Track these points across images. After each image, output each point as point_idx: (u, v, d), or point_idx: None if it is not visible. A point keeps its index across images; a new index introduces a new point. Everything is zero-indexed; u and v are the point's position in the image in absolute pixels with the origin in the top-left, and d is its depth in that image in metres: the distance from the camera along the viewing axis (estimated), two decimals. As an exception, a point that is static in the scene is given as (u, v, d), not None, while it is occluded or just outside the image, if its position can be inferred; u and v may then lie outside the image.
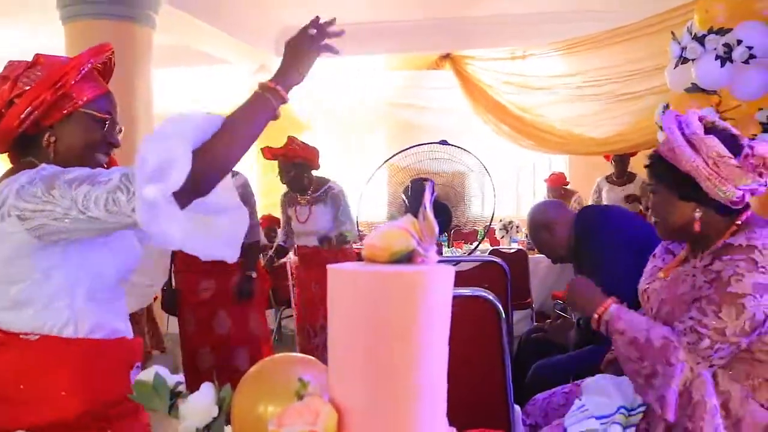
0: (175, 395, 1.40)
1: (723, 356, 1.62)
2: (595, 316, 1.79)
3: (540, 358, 2.65)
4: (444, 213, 4.16)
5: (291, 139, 4.56)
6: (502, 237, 6.89)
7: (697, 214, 1.72)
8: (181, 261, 3.75)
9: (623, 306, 1.81)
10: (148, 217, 1.33)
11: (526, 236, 6.53)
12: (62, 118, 1.58)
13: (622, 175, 6.63)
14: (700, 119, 1.73)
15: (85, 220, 1.38)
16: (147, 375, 1.45)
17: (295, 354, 1.48)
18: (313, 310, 4.60)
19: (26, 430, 1.42)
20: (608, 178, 6.78)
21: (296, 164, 4.50)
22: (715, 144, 1.65)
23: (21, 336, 1.48)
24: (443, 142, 4.77)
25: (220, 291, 3.80)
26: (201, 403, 1.31)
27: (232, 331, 3.78)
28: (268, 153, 4.55)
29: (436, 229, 1.00)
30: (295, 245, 4.81)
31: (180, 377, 1.47)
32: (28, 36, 7.06)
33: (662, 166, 1.76)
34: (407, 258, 0.99)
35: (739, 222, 1.73)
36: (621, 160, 6.57)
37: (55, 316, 1.51)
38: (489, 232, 7.28)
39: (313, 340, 4.60)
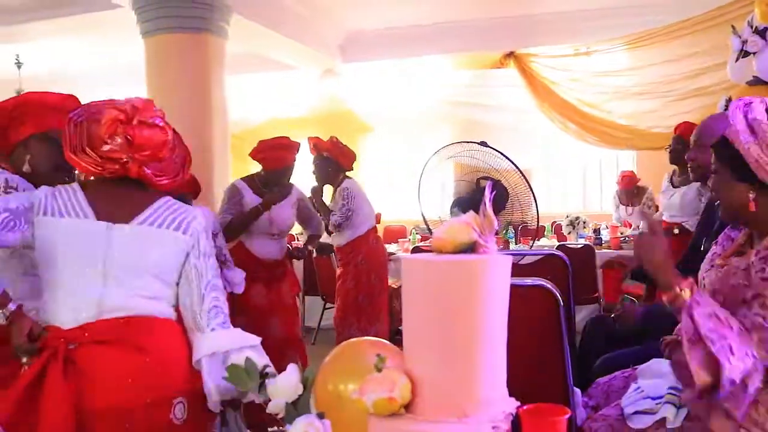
0: (263, 376, 1.58)
1: None
2: (678, 289, 1.70)
3: (605, 346, 2.71)
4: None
5: (330, 137, 4.72)
6: (569, 233, 6.89)
7: (751, 195, 1.76)
8: None
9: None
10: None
11: (594, 231, 6.53)
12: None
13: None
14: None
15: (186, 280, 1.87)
16: (239, 359, 1.64)
17: (368, 338, 1.64)
18: (347, 307, 4.74)
19: (184, 395, 1.81)
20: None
21: (322, 157, 4.65)
22: None
23: (163, 318, 1.85)
24: (483, 144, 4.78)
25: (273, 298, 3.97)
26: (288, 382, 1.47)
27: (282, 334, 3.93)
28: (310, 144, 4.74)
29: (495, 224, 1.14)
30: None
31: (267, 360, 1.71)
32: (111, 50, 7.48)
33: (725, 148, 1.79)
34: (471, 248, 1.13)
35: None
36: None
37: (176, 313, 1.90)
38: (555, 228, 7.33)
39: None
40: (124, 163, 1.80)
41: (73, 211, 1.79)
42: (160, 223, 1.84)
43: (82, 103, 2.15)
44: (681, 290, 1.68)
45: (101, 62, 7.93)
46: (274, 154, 3.92)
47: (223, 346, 1.80)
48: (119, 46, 6.97)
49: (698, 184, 4.54)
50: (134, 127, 1.79)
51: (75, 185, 1.87)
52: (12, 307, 1.76)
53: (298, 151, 4.08)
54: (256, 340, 1.87)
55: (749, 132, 1.73)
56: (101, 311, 1.76)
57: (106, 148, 1.77)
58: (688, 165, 2.70)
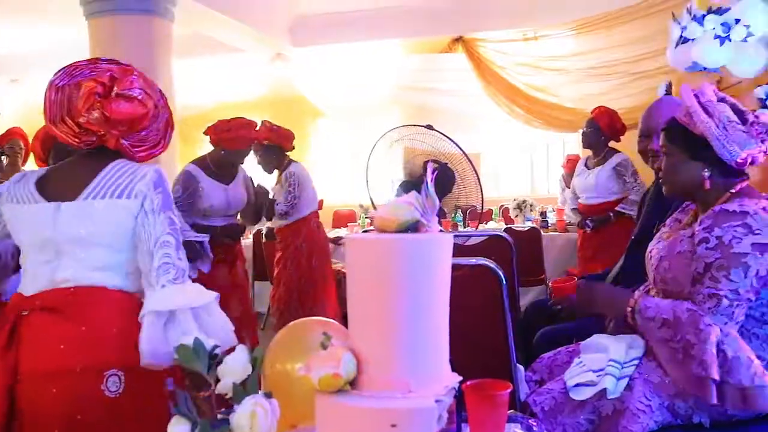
0: (212, 357, 1.59)
1: (741, 313, 1.82)
2: (628, 310, 1.95)
3: (545, 324, 2.79)
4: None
5: (263, 123, 4.64)
6: (516, 216, 7.02)
7: (705, 173, 1.93)
8: None
9: (642, 293, 2.01)
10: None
11: (541, 214, 6.65)
12: None
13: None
14: (715, 91, 1.95)
15: (139, 240, 1.81)
16: (188, 339, 1.64)
17: (315, 318, 1.66)
18: (291, 292, 4.75)
19: (119, 369, 1.75)
20: None
21: (263, 146, 4.61)
22: (725, 109, 1.88)
23: (113, 290, 1.82)
24: (429, 127, 4.81)
25: (233, 278, 3.99)
26: (237, 363, 1.48)
27: (239, 312, 3.93)
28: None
29: (437, 203, 1.17)
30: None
31: (216, 341, 1.70)
32: (53, 32, 7.28)
33: (678, 130, 1.97)
34: (413, 228, 1.16)
35: (734, 190, 1.94)
36: None
37: (136, 282, 1.85)
38: (503, 211, 7.43)
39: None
40: (101, 136, 1.80)
41: (25, 198, 1.85)
42: (104, 194, 1.81)
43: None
44: (632, 309, 1.93)
45: (44, 45, 7.67)
46: (237, 134, 3.86)
47: (168, 305, 1.73)
48: (63, 27, 6.80)
49: (614, 164, 4.74)
50: (111, 100, 1.77)
51: (30, 171, 1.93)
52: None
53: (256, 128, 4.07)
54: (210, 296, 1.82)
55: (705, 113, 1.89)
56: (54, 283, 1.80)
57: (82, 120, 1.77)
58: (647, 155, 2.80)
